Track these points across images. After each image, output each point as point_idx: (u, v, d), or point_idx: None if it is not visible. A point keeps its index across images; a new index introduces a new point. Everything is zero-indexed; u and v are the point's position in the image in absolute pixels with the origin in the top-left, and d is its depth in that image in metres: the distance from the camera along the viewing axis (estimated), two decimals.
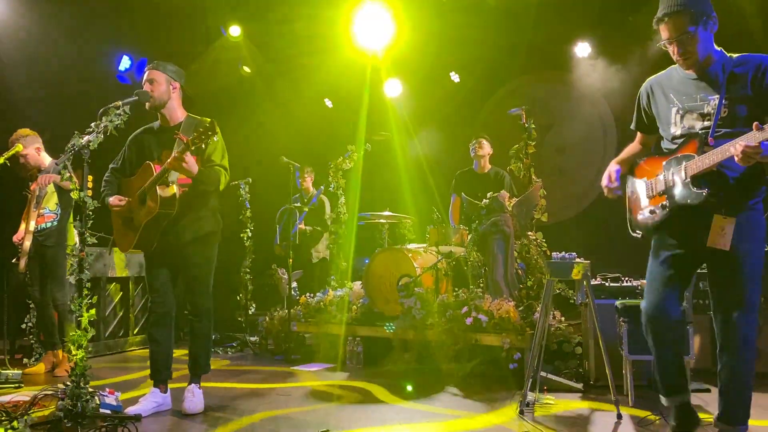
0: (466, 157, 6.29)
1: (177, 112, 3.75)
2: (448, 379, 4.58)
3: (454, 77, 8.43)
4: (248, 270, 6.60)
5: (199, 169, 3.48)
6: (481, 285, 5.22)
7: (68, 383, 3.19)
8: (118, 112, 3.44)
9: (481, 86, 8.49)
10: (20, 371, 4.57)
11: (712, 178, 2.52)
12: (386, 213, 6.11)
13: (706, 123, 2.57)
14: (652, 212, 2.71)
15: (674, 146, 2.68)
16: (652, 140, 2.94)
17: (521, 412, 3.50)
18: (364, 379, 4.65)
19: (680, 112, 2.66)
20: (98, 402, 3.25)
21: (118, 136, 3.49)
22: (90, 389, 3.26)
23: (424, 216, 6.07)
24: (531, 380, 3.69)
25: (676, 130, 2.68)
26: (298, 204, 6.69)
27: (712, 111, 2.55)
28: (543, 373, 4.02)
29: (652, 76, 2.85)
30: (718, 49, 2.62)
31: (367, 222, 6.38)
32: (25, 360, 5.37)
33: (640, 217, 2.78)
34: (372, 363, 5.22)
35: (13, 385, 4.36)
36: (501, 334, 4.58)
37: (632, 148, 2.99)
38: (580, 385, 4.15)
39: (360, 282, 5.86)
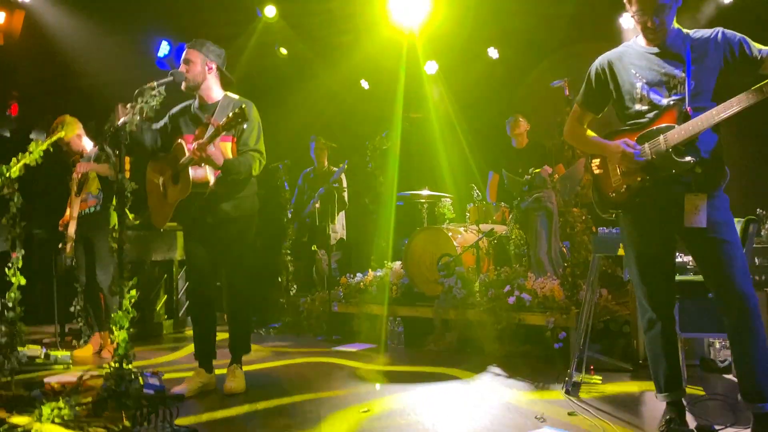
0: (505, 133, 6.16)
1: (213, 92, 3.72)
2: (490, 358, 4.50)
3: (493, 53, 8.24)
4: (288, 252, 6.60)
5: (225, 160, 3.43)
6: (524, 263, 5.10)
7: (111, 364, 3.23)
8: (153, 93, 3.43)
9: (520, 61, 8.29)
10: (69, 353, 4.68)
11: (692, 149, 2.45)
12: (425, 192, 6.03)
13: (674, 96, 2.50)
14: (628, 188, 2.59)
15: (644, 120, 2.58)
16: (589, 118, 2.84)
17: (567, 393, 3.40)
18: (405, 359, 4.61)
19: (645, 87, 2.57)
20: (142, 382, 3.29)
21: (154, 117, 3.49)
22: (133, 370, 3.31)
23: (464, 194, 5.96)
24: (577, 360, 3.59)
25: (642, 106, 2.58)
26: (310, 181, 6.64)
27: (679, 84, 2.49)
28: (589, 353, 3.90)
29: (606, 53, 2.75)
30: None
31: (406, 201, 6.30)
32: (75, 342, 5.50)
33: (613, 195, 2.66)
34: (413, 343, 5.17)
35: (62, 367, 4.47)
36: (545, 313, 4.47)
37: (583, 129, 2.84)
38: (628, 365, 4.01)
39: (400, 262, 5.80)
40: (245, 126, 3.59)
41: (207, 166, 3.47)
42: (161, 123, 3.80)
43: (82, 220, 5.11)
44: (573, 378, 3.48)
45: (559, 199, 4.94)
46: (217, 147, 3.43)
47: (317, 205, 6.55)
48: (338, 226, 6.71)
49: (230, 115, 3.34)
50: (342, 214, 6.76)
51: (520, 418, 3.00)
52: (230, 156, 3.56)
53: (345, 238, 6.88)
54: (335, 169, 6.41)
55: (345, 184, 6.69)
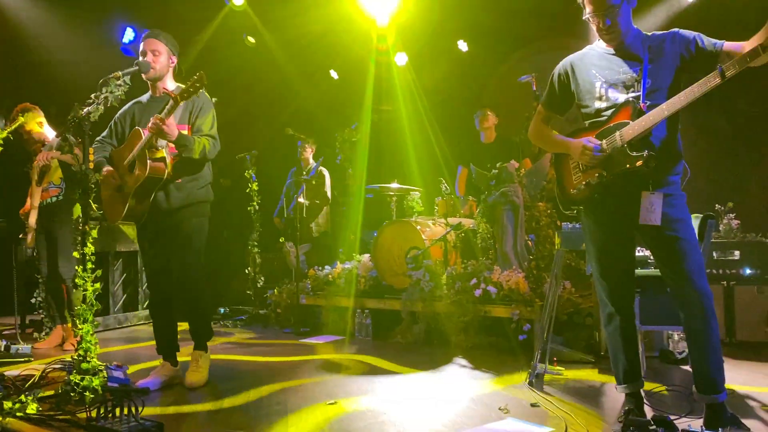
0: (473, 127, 6.22)
1: (168, 84, 3.69)
2: (456, 350, 4.56)
3: (462, 45, 8.28)
4: (256, 243, 6.57)
5: (179, 133, 3.38)
6: (491, 256, 5.17)
7: (75, 357, 3.19)
8: (118, 82, 3.39)
9: (490, 54, 8.35)
10: (30, 345, 4.59)
11: (646, 144, 2.54)
12: (394, 185, 6.06)
13: (632, 94, 2.60)
14: (587, 185, 2.69)
15: (603, 118, 2.68)
16: (553, 119, 2.95)
17: (531, 384, 3.47)
18: (372, 351, 4.64)
19: (604, 85, 2.67)
20: (106, 376, 3.25)
21: (119, 107, 3.44)
22: (97, 363, 3.27)
23: (432, 187, 6.01)
24: (541, 352, 3.66)
25: (601, 104, 2.68)
26: (295, 177, 6.64)
27: (636, 82, 2.59)
28: (553, 345, 3.98)
29: (569, 56, 2.85)
30: (634, 26, 2.69)
31: (375, 194, 6.32)
32: (36, 334, 5.41)
33: (574, 191, 2.76)
34: (380, 335, 5.21)
35: (23, 360, 4.38)
36: (510, 305, 4.55)
37: (548, 129, 2.94)
38: (590, 357, 4.11)
39: (368, 255, 5.83)
40: (201, 105, 3.59)
41: (163, 149, 3.42)
42: (107, 131, 3.73)
43: (43, 210, 5.01)
44: (537, 369, 3.55)
45: (525, 194, 5.01)
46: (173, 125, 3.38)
47: (301, 200, 6.56)
48: (321, 219, 6.75)
49: (188, 82, 3.32)
50: (326, 208, 6.76)
51: (484, 410, 3.06)
52: None
53: (329, 230, 6.85)
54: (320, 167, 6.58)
55: (328, 180, 6.71)
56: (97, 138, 3.72)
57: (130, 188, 3.46)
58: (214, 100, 3.80)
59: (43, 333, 5.34)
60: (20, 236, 5.32)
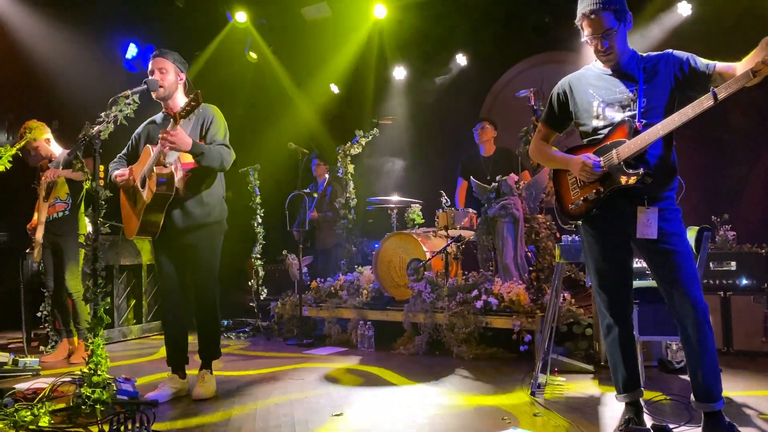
0: (473, 140, 6.31)
1: (181, 101, 3.76)
2: (458, 361, 4.62)
3: (461, 60, 8.39)
4: (259, 256, 6.64)
5: (194, 142, 3.45)
6: (491, 268, 5.24)
7: (85, 371, 3.24)
8: (127, 101, 3.47)
9: (488, 68, 8.46)
10: (37, 359, 4.64)
11: (642, 162, 2.64)
12: (395, 198, 6.13)
13: (628, 113, 2.69)
14: (585, 200, 2.78)
15: (600, 136, 2.77)
16: (553, 137, 3.04)
17: (532, 394, 3.53)
18: (375, 363, 4.70)
19: (602, 105, 2.76)
20: (115, 389, 3.31)
21: (128, 125, 3.51)
22: (107, 376, 3.32)
23: (432, 200, 6.09)
24: (542, 362, 3.72)
25: (599, 122, 2.77)
26: (308, 191, 6.73)
27: (632, 102, 2.69)
28: (554, 355, 4.05)
29: (568, 75, 2.95)
30: (630, 46, 2.79)
31: (377, 207, 6.40)
32: (42, 348, 5.45)
33: (572, 206, 2.85)
34: (383, 346, 5.26)
35: (31, 373, 4.43)
36: (511, 316, 4.61)
37: (548, 146, 3.02)
38: (590, 367, 4.17)
39: (370, 266, 5.89)
40: (212, 117, 3.68)
41: (173, 166, 3.50)
42: (128, 151, 3.86)
43: (50, 224, 5.07)
44: (538, 380, 3.61)
45: (524, 206, 5.09)
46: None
47: (316, 214, 6.74)
48: (335, 231, 6.88)
49: (186, 101, 3.40)
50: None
51: (488, 420, 3.11)
52: None
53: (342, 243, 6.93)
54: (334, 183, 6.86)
55: (339, 195, 6.81)
56: (118, 155, 3.84)
57: (142, 204, 3.55)
58: None
59: (49, 346, 5.39)
60: (27, 251, 5.38)
